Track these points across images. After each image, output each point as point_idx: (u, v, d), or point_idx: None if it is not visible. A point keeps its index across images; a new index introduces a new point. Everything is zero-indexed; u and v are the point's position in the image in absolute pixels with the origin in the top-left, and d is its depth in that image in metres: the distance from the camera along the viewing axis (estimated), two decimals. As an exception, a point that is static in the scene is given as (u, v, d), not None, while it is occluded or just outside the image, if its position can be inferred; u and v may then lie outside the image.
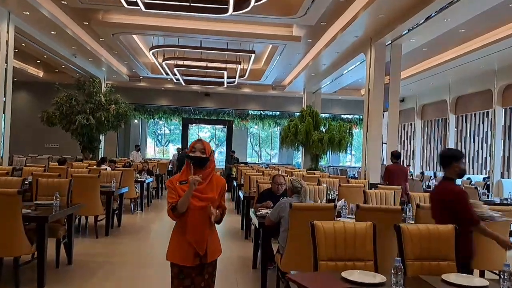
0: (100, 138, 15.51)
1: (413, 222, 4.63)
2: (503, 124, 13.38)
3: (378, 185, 7.56)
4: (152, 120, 22.19)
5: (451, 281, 2.60)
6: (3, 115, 9.91)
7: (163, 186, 13.20)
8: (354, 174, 15.60)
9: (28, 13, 9.93)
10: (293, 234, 3.96)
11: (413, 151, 19.17)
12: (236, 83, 16.41)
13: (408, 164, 18.68)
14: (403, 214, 4.76)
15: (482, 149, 15.38)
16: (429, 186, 10.64)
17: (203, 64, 14.38)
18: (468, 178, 11.98)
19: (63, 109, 13.70)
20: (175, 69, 15.03)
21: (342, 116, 21.75)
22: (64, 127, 14.02)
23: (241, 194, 8.32)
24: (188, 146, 3.42)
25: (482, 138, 15.36)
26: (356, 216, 4.20)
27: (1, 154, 10.03)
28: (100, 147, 15.82)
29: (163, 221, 9.04)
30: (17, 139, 16.49)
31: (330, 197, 6.95)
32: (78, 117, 13.52)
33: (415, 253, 2.96)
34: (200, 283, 2.85)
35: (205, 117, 21.82)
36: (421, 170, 17.80)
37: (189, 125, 22.37)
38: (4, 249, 4.22)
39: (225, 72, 14.70)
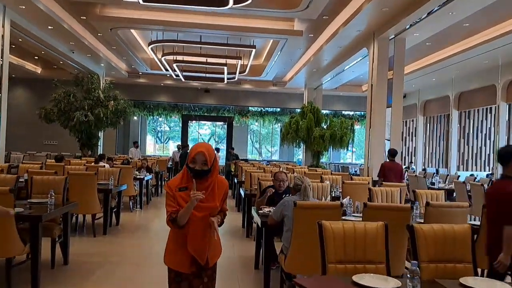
0: (99, 135, 15.36)
1: (422, 221, 4.46)
2: (507, 120, 13.25)
3: (382, 183, 7.46)
4: (151, 117, 22.03)
5: (470, 285, 2.44)
6: (-1, 111, 9.75)
7: (163, 183, 13.03)
8: (355, 171, 15.45)
9: (23, 7, 9.75)
10: (298, 234, 3.80)
11: (415, 147, 19.01)
12: (236, 79, 16.26)
13: (410, 161, 18.51)
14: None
15: (485, 145, 15.22)
16: (432, 183, 10.46)
17: (203, 59, 14.21)
18: (472, 175, 11.83)
19: (61, 105, 13.54)
20: (174, 65, 14.86)
21: (343, 112, 21.61)
22: (62, 124, 13.86)
23: (242, 192, 8.21)
24: (189, 148, 3.18)
25: (486, 134, 15.21)
26: (364, 214, 4.03)
27: (-3, 151, 9.87)
28: (99, 144, 15.68)
29: (162, 219, 8.88)
30: (15, 136, 16.38)
31: (333, 195, 6.81)
32: (77, 114, 13.36)
33: (430, 255, 2.78)
34: (198, 286, 2.70)
35: (205, 114, 21.68)
36: (423, 167, 17.63)
37: (189, 122, 22.22)
38: (-5, 250, 4.05)
39: (225, 68, 14.53)
